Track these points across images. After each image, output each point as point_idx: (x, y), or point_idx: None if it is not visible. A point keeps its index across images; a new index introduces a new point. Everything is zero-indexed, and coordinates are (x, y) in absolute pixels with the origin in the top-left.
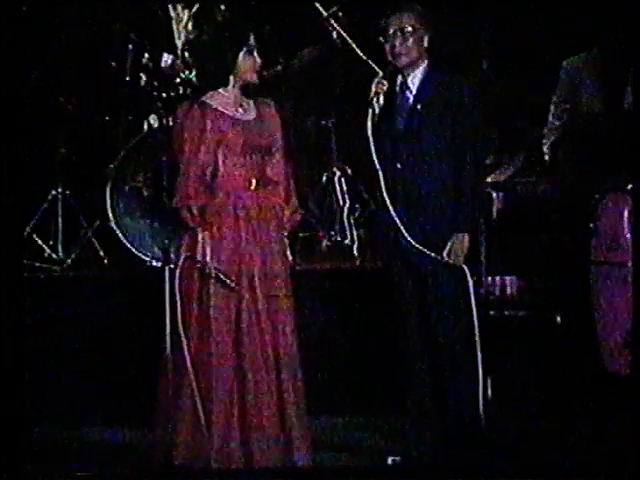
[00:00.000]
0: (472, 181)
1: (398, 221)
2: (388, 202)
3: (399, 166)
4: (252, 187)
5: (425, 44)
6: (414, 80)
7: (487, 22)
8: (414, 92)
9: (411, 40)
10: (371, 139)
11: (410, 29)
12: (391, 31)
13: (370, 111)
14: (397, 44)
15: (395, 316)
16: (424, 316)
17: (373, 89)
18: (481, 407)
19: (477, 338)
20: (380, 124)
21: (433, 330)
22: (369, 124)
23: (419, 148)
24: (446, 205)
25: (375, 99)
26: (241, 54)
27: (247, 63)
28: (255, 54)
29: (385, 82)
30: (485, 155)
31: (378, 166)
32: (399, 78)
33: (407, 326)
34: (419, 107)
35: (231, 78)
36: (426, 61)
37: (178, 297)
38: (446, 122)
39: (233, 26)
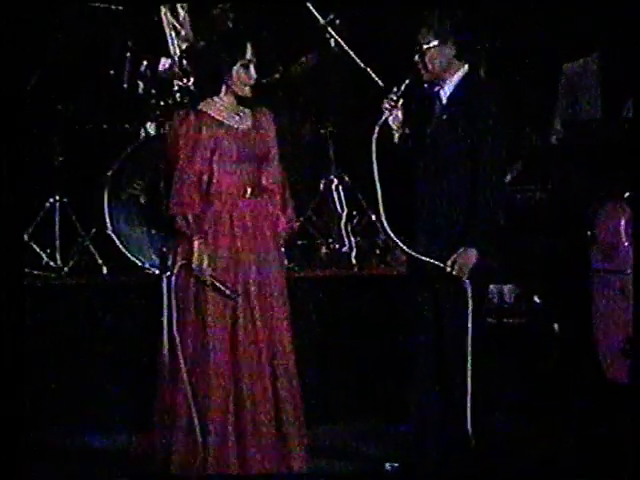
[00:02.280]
0: (488, 197)
1: (394, 236)
2: (384, 221)
3: (420, 175)
4: (247, 195)
5: (449, 56)
6: (446, 91)
7: (485, 26)
8: (444, 102)
9: (429, 56)
10: (374, 157)
11: (426, 46)
12: (415, 48)
13: (377, 128)
14: (417, 61)
15: (396, 323)
16: (428, 323)
17: (384, 105)
18: (469, 416)
19: (469, 349)
20: (408, 133)
21: (437, 338)
22: (374, 142)
23: (439, 159)
24: (459, 218)
25: (385, 115)
26: (235, 67)
27: (241, 77)
28: (251, 69)
29: (395, 98)
30: (504, 172)
31: (378, 183)
32: (436, 88)
33: (411, 333)
34: (445, 118)
35: (224, 88)
36: (462, 70)
37: (174, 305)
38: (468, 136)
39: (230, 38)
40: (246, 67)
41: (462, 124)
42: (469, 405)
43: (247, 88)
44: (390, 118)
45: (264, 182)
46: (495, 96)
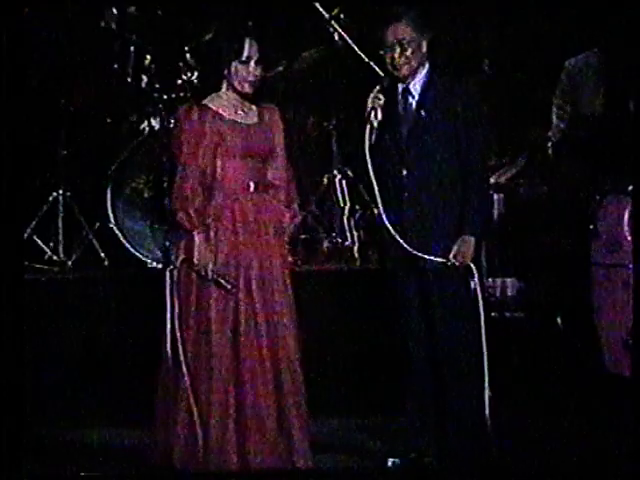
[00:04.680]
0: (478, 184)
1: (395, 233)
2: (384, 218)
3: (405, 173)
4: (251, 190)
5: (424, 49)
6: (416, 86)
7: (488, 23)
8: (417, 98)
9: (409, 50)
10: (368, 157)
11: (407, 40)
12: (389, 43)
13: (368, 127)
14: (396, 56)
15: (396, 317)
16: (427, 317)
17: (369, 105)
18: (487, 409)
19: (484, 339)
20: (384, 132)
21: (436, 331)
22: (366, 140)
23: (424, 153)
24: (452, 209)
25: (373, 114)
26: (234, 64)
27: (241, 74)
28: (250, 66)
29: (381, 96)
30: (489, 157)
31: (375, 182)
32: (400, 85)
33: (409, 327)
34: (422, 112)
35: (226, 84)
36: (427, 65)
37: (176, 299)
38: (450, 125)
39: (228, 35)
40: (245, 64)
41: (441, 117)
42: (487, 393)
43: (246, 85)
44: (374, 119)
45: (269, 177)
46: (468, 87)
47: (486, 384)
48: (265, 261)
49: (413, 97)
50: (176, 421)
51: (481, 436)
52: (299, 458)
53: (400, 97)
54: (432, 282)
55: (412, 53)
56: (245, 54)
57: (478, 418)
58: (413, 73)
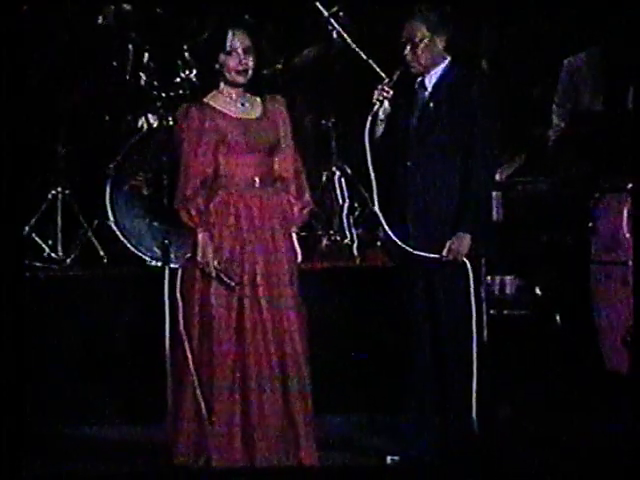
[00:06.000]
0: (480, 182)
1: (390, 232)
2: (380, 215)
3: (409, 164)
4: (256, 185)
5: (440, 47)
6: (432, 79)
7: (487, 20)
8: (429, 90)
9: (420, 48)
10: (368, 147)
11: (419, 38)
12: (402, 39)
13: (369, 120)
14: (407, 53)
15: (397, 314)
16: (427, 314)
17: (375, 96)
18: (474, 407)
19: (474, 335)
20: (394, 123)
21: (437, 328)
22: (366, 134)
23: (429, 147)
24: (452, 204)
25: (377, 106)
26: (221, 56)
27: (228, 64)
28: (238, 56)
29: (388, 89)
30: (494, 157)
31: (372, 174)
32: (421, 77)
33: (412, 324)
34: (431, 105)
35: (223, 79)
36: (447, 59)
37: (180, 296)
38: (459, 122)
39: (210, 29)
40: (230, 54)
41: (449, 111)
42: (474, 394)
43: (235, 74)
44: (380, 110)
45: (277, 170)
46: (481, 84)
47: (474, 383)
48: (271, 256)
49: (426, 90)
50: (182, 418)
51: (480, 434)
52: (305, 454)
53: (416, 89)
54: (434, 278)
55: (423, 52)
56: (228, 44)
57: (478, 416)
58: (428, 68)
